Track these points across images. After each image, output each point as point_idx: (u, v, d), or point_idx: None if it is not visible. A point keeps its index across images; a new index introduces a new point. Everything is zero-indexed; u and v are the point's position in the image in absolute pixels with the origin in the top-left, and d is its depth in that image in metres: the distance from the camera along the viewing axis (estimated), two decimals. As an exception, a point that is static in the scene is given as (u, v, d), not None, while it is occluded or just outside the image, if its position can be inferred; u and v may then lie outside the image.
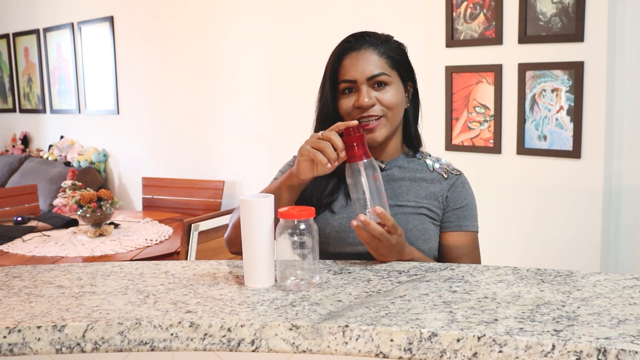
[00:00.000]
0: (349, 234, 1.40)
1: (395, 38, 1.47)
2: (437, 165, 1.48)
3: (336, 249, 1.41)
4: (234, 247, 1.39)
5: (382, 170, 1.45)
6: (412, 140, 1.50)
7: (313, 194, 1.44)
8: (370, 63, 1.38)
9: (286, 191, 1.34)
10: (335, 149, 1.24)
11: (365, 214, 1.23)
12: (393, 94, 1.39)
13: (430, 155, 1.51)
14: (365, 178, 1.24)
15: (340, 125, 1.27)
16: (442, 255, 1.45)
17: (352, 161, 1.25)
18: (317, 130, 1.45)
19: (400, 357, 0.93)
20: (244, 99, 4.05)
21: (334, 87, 1.41)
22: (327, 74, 1.42)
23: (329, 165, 1.24)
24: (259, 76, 3.93)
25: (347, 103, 1.40)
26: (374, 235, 1.23)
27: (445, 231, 1.45)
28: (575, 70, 2.44)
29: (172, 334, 0.98)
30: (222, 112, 4.21)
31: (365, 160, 1.25)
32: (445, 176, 1.46)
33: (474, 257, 1.46)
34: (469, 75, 2.77)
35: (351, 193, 1.27)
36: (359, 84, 1.38)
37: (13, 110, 6.12)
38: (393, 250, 1.27)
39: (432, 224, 1.43)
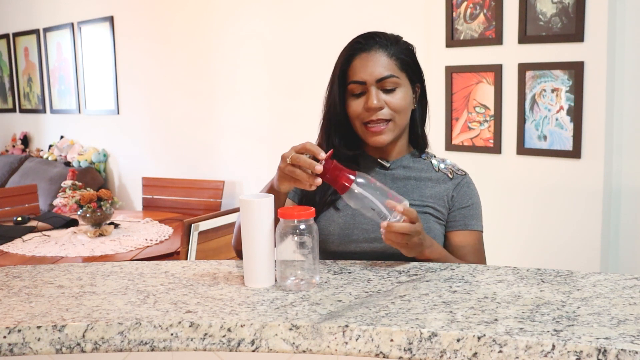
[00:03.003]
0: (352, 231, 1.40)
1: (398, 36, 1.45)
2: (442, 166, 1.48)
3: (340, 247, 1.41)
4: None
5: (387, 169, 1.46)
6: (418, 141, 1.50)
7: (317, 191, 1.44)
8: (380, 65, 1.38)
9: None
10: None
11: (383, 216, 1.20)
12: (402, 97, 1.39)
13: (435, 156, 1.52)
14: (367, 193, 1.19)
15: (307, 146, 1.20)
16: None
17: (344, 191, 1.19)
18: (324, 130, 1.45)
19: (400, 357, 0.93)
20: (244, 99, 4.05)
21: (343, 88, 1.41)
22: (336, 75, 1.42)
23: (311, 187, 1.20)
24: (259, 76, 3.93)
25: (355, 105, 1.39)
26: (404, 233, 1.21)
27: (451, 230, 1.45)
28: (575, 70, 2.44)
29: (172, 334, 0.98)
30: (222, 112, 4.21)
31: (354, 183, 1.19)
32: (451, 176, 1.46)
33: (479, 256, 1.46)
34: (469, 75, 2.77)
35: (364, 212, 1.22)
36: (368, 85, 1.38)
37: (13, 110, 6.12)
38: (422, 238, 1.26)
39: (437, 223, 1.43)
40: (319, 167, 1.16)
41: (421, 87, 1.47)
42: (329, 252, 1.42)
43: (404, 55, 1.41)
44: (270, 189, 1.30)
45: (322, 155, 1.18)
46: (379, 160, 1.46)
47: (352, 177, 1.19)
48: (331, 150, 1.23)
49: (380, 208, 1.19)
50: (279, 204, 1.30)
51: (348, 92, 1.40)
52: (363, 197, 1.19)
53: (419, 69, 1.46)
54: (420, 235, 1.25)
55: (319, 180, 1.19)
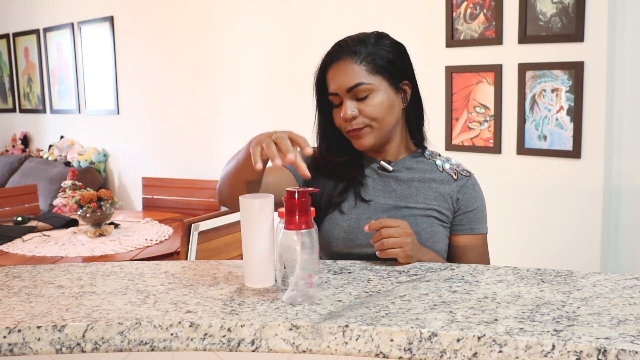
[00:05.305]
0: (357, 235, 1.39)
1: (379, 35, 1.41)
2: (447, 166, 1.46)
3: (345, 249, 1.40)
4: (224, 197, 1.36)
5: (389, 171, 1.45)
6: (415, 138, 1.48)
7: (323, 193, 1.43)
8: (348, 74, 1.36)
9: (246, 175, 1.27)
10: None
11: (287, 284, 1.07)
12: (377, 103, 1.37)
13: (440, 155, 1.50)
14: (301, 250, 1.05)
15: (298, 139, 1.13)
16: (453, 257, 1.45)
17: (289, 228, 1.06)
18: (320, 135, 1.47)
19: (400, 357, 0.93)
20: (243, 99, 4.05)
21: (325, 99, 1.42)
22: (315, 87, 1.43)
23: (278, 161, 1.09)
24: (259, 76, 3.93)
25: (337, 116, 1.40)
26: (392, 233, 1.25)
27: (456, 234, 1.44)
28: (575, 70, 2.44)
29: (172, 334, 0.98)
30: (222, 112, 4.21)
31: (303, 231, 1.05)
32: (455, 177, 1.45)
33: (484, 258, 1.46)
34: (469, 75, 2.77)
35: (279, 260, 1.09)
36: (341, 96, 1.38)
37: (13, 110, 6.12)
38: (414, 239, 1.28)
39: (441, 226, 1.42)
40: (291, 156, 1.08)
41: (411, 83, 1.43)
42: (333, 255, 1.41)
43: (379, 58, 1.37)
44: (245, 158, 1.24)
45: (309, 150, 1.12)
46: (381, 162, 1.45)
47: (305, 226, 1.05)
48: (317, 189, 1.15)
49: (287, 271, 1.07)
50: (249, 175, 1.25)
51: (332, 102, 1.42)
52: (294, 251, 1.06)
53: (404, 66, 1.41)
54: (412, 237, 1.28)
55: (279, 162, 1.08)
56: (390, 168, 1.45)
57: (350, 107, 1.36)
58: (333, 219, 1.42)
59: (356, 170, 1.45)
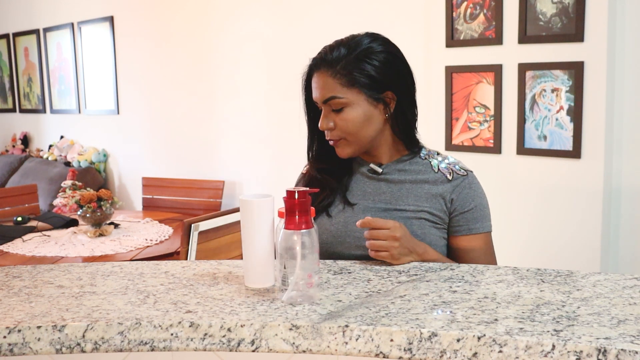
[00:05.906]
0: (345, 239, 1.39)
1: (371, 39, 1.37)
2: (443, 165, 1.43)
3: (335, 251, 1.41)
4: None
5: (379, 173, 1.44)
6: (407, 143, 1.45)
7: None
8: (322, 86, 1.37)
9: None
10: None
11: (287, 284, 1.07)
12: (351, 118, 1.36)
13: (437, 154, 1.46)
14: (301, 250, 1.06)
15: None
16: (456, 258, 1.43)
17: (288, 228, 1.06)
18: (309, 136, 1.49)
19: (400, 357, 0.93)
20: (244, 99, 4.05)
21: (313, 100, 1.43)
22: (303, 91, 1.45)
23: None
24: (259, 76, 3.93)
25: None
26: (382, 237, 1.25)
27: (455, 235, 1.42)
28: (575, 70, 2.44)
29: (172, 334, 0.98)
30: (222, 112, 4.21)
31: (303, 231, 1.06)
32: (450, 177, 1.41)
33: (489, 258, 1.44)
34: (469, 75, 2.77)
35: (279, 260, 1.08)
36: (320, 106, 1.39)
37: (13, 110, 6.12)
38: (402, 242, 1.27)
39: (433, 227, 1.40)
40: None
41: (400, 93, 1.38)
42: (323, 258, 1.41)
43: (357, 71, 1.34)
44: None
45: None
46: (370, 165, 1.44)
47: (305, 225, 1.06)
48: (317, 189, 1.20)
49: (287, 271, 1.07)
50: None
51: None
52: (294, 251, 1.06)
53: (389, 77, 1.36)
54: (399, 242, 1.26)
55: None
56: (380, 170, 1.43)
57: (326, 119, 1.38)
58: (322, 224, 1.42)
59: (342, 173, 1.45)
